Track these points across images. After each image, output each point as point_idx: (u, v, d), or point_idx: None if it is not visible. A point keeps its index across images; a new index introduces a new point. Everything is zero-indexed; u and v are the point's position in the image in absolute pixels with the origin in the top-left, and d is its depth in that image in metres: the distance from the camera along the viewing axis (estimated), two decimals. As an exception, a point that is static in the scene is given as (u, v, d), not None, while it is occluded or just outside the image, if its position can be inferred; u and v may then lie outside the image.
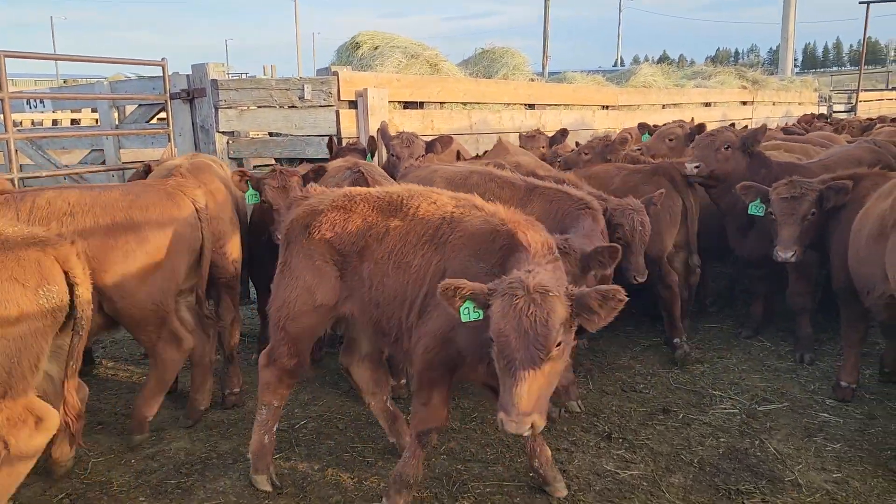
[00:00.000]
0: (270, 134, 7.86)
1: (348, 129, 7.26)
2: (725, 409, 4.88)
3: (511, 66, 10.05)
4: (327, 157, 7.17)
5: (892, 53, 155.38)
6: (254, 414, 4.38)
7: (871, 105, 26.45)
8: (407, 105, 8.09)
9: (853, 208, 4.95)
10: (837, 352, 5.87)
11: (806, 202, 5.15)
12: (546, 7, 38.83)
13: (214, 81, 7.15)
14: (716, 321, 6.73)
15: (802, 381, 5.33)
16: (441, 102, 8.48)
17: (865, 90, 28.07)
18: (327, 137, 6.88)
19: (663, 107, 13.26)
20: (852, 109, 24.70)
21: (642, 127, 9.21)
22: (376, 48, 8.39)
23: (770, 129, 10.24)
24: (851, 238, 4.77)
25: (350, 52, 8.50)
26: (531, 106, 9.88)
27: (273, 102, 7.27)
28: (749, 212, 5.56)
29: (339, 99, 7.18)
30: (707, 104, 14.79)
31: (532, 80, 10.40)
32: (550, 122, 10.19)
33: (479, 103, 9.01)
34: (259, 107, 7.35)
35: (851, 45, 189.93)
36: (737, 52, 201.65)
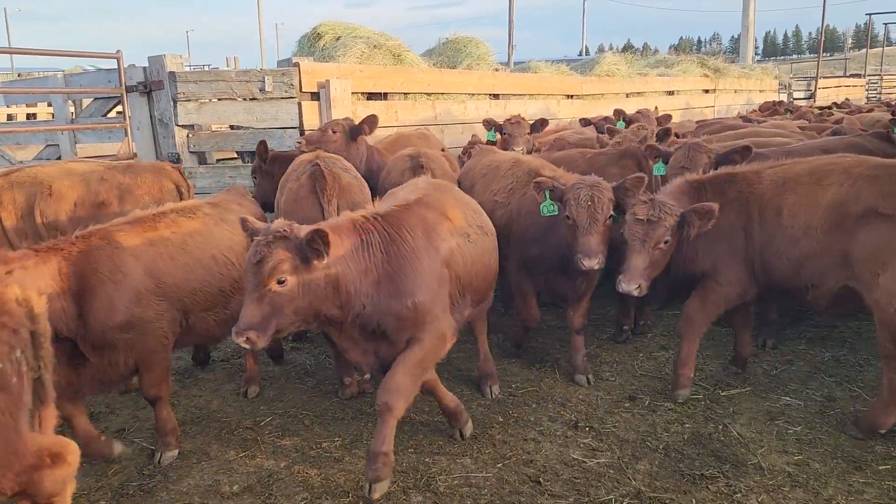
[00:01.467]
0: (232, 127, 7.72)
1: (311, 120, 7.17)
2: (690, 395, 4.94)
3: (475, 55, 10.01)
4: (290, 150, 7.09)
5: (850, 41, 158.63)
6: (216, 413, 4.30)
7: (830, 92, 26.98)
8: (370, 96, 8.01)
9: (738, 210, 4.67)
10: (798, 335, 5.99)
11: (661, 227, 4.47)
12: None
13: (172, 74, 7.00)
14: (679, 309, 6.79)
15: (765, 365, 5.42)
16: (405, 93, 8.41)
17: (824, 77, 28.60)
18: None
19: (627, 95, 13.35)
20: (812, 96, 25.19)
21: (617, 113, 9.24)
22: (338, 39, 8.28)
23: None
24: (771, 237, 4.53)
25: (312, 43, 8.38)
26: (496, 96, 9.86)
27: (234, 95, 7.15)
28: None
29: (300, 90, 7.09)
30: (670, 92, 14.93)
31: (496, 69, 10.38)
32: (515, 112, 10.18)
33: (443, 93, 8.96)
34: (219, 99, 7.22)
35: (810, 33, 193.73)
36: (699, 41, 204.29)
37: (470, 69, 9.88)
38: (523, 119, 7.34)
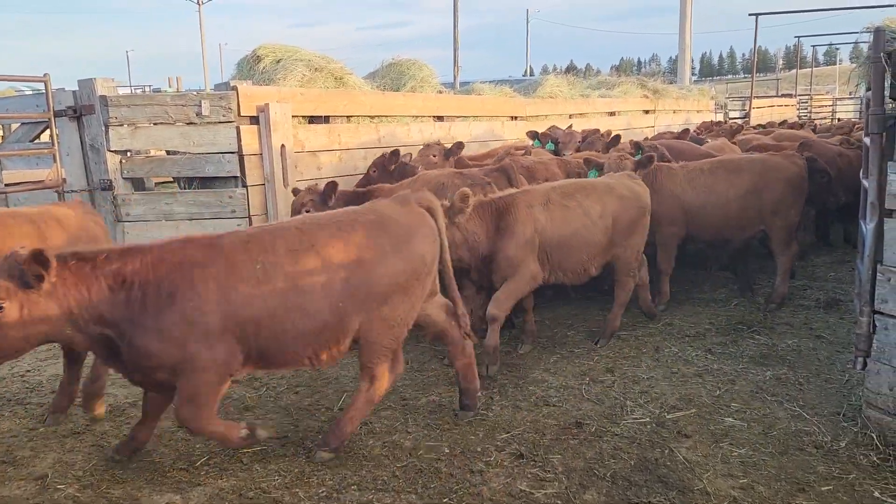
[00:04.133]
0: (168, 152, 7.49)
1: (250, 145, 7.00)
2: (637, 418, 4.93)
3: (418, 78, 9.99)
4: (229, 175, 6.92)
5: (780, 62, 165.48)
6: (148, 454, 4.08)
7: (763, 111, 27.95)
8: (312, 119, 7.89)
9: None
10: (740, 354, 6.07)
11: None
12: (455, 17, 39.21)
13: (104, 98, 6.76)
14: (625, 330, 6.83)
15: (709, 386, 5.46)
16: (348, 116, 8.32)
17: (758, 97, 29.61)
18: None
19: (570, 116, 13.51)
20: (746, 116, 26.02)
21: (533, 135, 9.53)
22: (279, 61, 8.14)
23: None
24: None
25: (251, 66, 8.22)
26: (440, 118, 9.85)
27: (169, 119, 6.93)
28: None
29: (239, 115, 6.93)
30: (612, 113, 15.21)
31: (440, 91, 10.38)
32: (460, 134, 10.19)
33: (387, 116, 8.90)
34: (155, 124, 6.99)
35: (744, 54, 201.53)
36: (639, 62, 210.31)
37: (413, 91, 9.85)
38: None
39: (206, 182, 7.00)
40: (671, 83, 23.38)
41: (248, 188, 6.98)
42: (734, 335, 6.59)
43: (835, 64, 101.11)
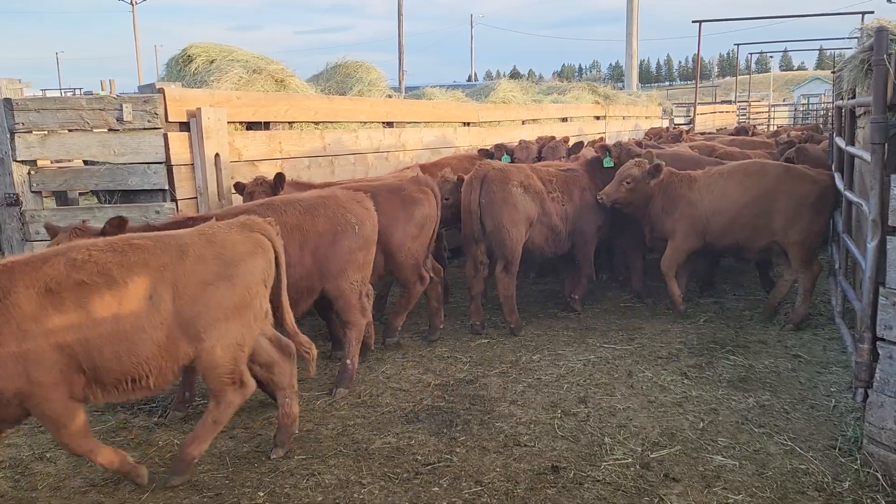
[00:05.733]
0: (86, 162, 6.68)
1: (180, 154, 6.27)
2: (618, 459, 4.43)
3: (366, 81, 9.36)
4: (156, 188, 6.20)
5: (716, 69, 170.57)
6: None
7: (707, 117, 28.31)
8: (250, 126, 7.19)
9: None
10: (716, 378, 5.66)
11: None
12: (400, 21, 38.64)
13: (8, 101, 5.94)
14: (594, 352, 6.37)
15: (690, 417, 5.01)
16: (290, 122, 7.64)
17: (701, 103, 29.97)
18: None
19: (523, 122, 13.11)
20: (691, 122, 26.23)
21: (499, 148, 9.00)
22: (212, 62, 7.40)
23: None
24: None
25: (182, 67, 7.45)
26: (390, 124, 9.25)
27: (86, 125, 6.14)
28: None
29: (166, 120, 6.19)
30: (564, 119, 14.88)
31: (389, 96, 9.78)
32: (411, 141, 9.62)
33: (332, 122, 8.25)
34: (70, 130, 6.20)
35: (680, 62, 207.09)
36: (581, 68, 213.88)
37: (361, 95, 9.22)
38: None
39: (130, 196, 6.24)
40: (618, 89, 23.34)
41: (178, 202, 6.25)
42: (708, 356, 6.19)
43: (767, 72, 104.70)
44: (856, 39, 5.76)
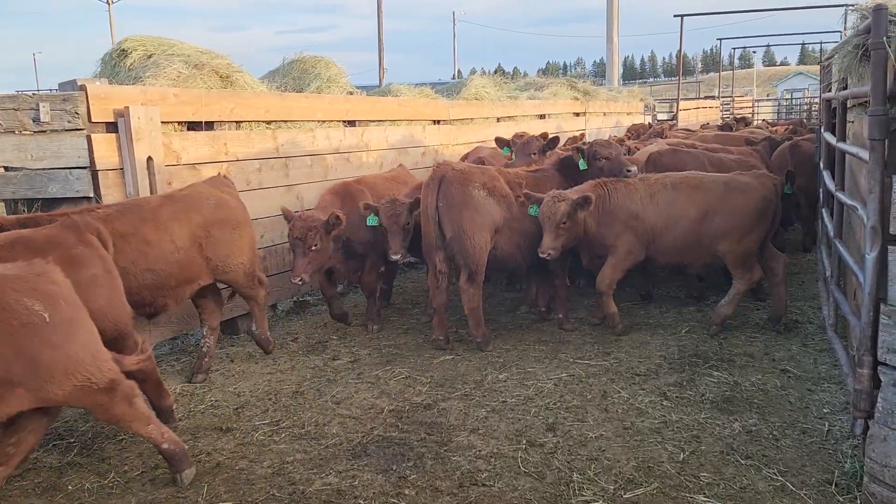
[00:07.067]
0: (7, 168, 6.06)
1: (106, 158, 5.67)
2: (587, 501, 3.90)
3: (325, 77, 8.75)
4: (80, 195, 5.61)
5: (699, 65, 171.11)
6: None
7: (690, 113, 27.88)
8: (192, 126, 6.58)
9: None
10: (699, 398, 5.14)
11: None
12: (379, 18, 38.01)
13: None
14: (566, 369, 5.84)
15: (670, 446, 4.48)
16: (238, 122, 7.04)
17: (684, 99, 29.56)
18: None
19: (498, 120, 12.56)
20: (674, 118, 25.81)
21: (500, 142, 8.73)
22: (150, 57, 6.78)
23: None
24: None
25: (116, 62, 6.83)
26: (351, 123, 8.66)
27: (-2, 127, 5.52)
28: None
29: (90, 120, 5.59)
30: (542, 116, 14.35)
31: (351, 93, 9.18)
32: (375, 141, 9.05)
33: (286, 121, 7.66)
34: (-17, 133, 5.58)
35: (664, 58, 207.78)
36: (565, 65, 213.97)
37: (320, 92, 8.63)
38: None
39: (52, 205, 5.64)
40: (599, 86, 22.85)
41: (106, 211, 5.65)
42: (689, 372, 5.68)
43: (750, 67, 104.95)
44: (840, 31, 5.26)
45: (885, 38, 3.28)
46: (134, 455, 4.58)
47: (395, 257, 6.45)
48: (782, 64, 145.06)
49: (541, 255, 6.10)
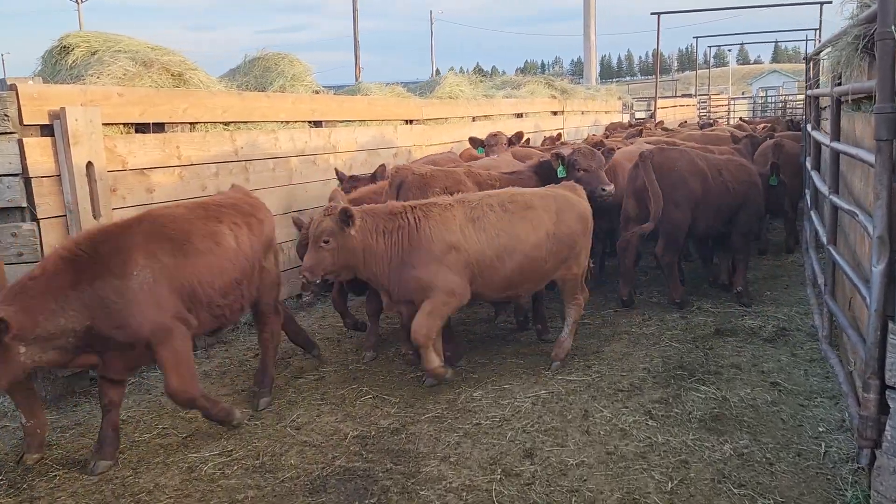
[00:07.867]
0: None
1: (41, 164, 5.19)
2: (567, 541, 3.52)
3: (289, 75, 8.30)
4: (11, 205, 5.14)
5: (675, 64, 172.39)
6: None
7: (668, 111, 27.72)
8: (140, 128, 6.12)
9: None
10: (686, 417, 4.79)
11: None
12: (355, 16, 37.48)
13: None
14: (545, 385, 5.46)
15: (656, 474, 4.12)
16: (192, 123, 6.58)
17: (662, 97, 29.42)
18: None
19: (473, 119, 12.19)
20: (652, 116, 25.64)
21: (474, 141, 8.97)
22: (94, 53, 6.30)
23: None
24: None
25: (57, 60, 6.34)
26: (317, 123, 8.22)
27: (-82, 131, 5.03)
28: None
29: (21, 123, 5.10)
30: (519, 115, 13.99)
31: (317, 91, 8.74)
32: (343, 142, 8.62)
33: (246, 122, 7.21)
34: None
35: (640, 57, 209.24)
36: (543, 64, 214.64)
37: (283, 91, 8.18)
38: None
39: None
40: (577, 84, 22.59)
41: (41, 222, 5.18)
42: (675, 386, 5.34)
43: (725, 65, 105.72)
44: (815, 29, 4.92)
45: (893, 27, 2.93)
46: (67, 494, 4.13)
47: None
48: (756, 62, 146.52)
49: (301, 279, 5.30)
